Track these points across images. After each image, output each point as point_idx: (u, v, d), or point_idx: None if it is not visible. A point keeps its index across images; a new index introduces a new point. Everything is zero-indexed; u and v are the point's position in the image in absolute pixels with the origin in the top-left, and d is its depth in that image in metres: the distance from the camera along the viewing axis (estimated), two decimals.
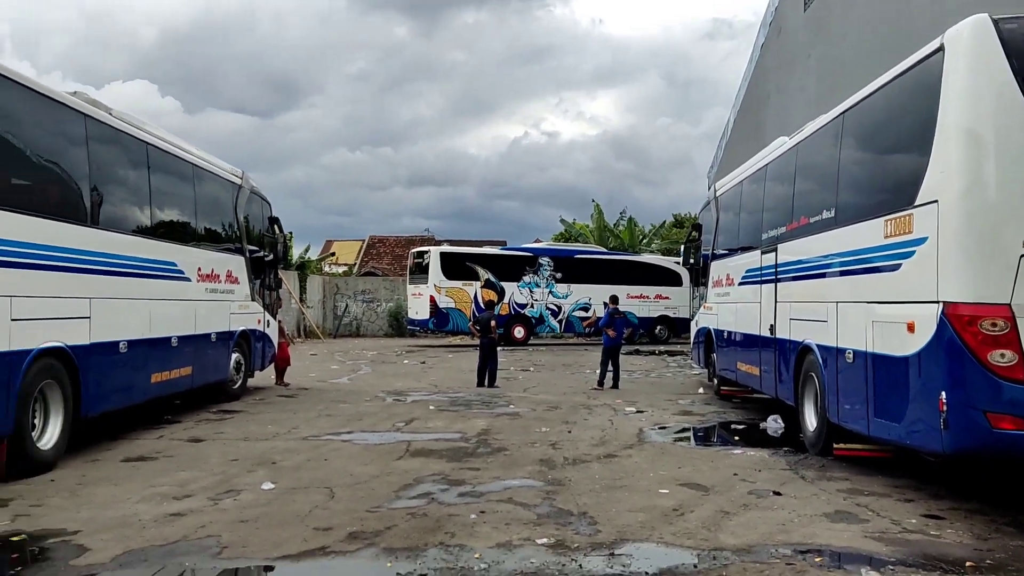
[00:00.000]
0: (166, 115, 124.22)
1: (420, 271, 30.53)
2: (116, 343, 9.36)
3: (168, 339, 10.83)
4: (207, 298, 12.31)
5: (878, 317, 7.49)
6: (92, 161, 9.06)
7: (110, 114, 9.75)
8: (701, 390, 15.67)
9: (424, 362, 22.81)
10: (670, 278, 32.06)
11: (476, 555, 5.44)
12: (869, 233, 7.72)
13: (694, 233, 17.50)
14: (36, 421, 7.94)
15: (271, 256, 15.56)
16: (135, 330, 9.84)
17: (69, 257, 8.41)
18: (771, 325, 10.92)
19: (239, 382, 13.99)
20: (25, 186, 8.00)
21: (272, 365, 16.11)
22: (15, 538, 5.85)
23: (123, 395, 9.77)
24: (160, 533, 5.95)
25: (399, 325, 36.41)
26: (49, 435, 8.12)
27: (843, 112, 8.83)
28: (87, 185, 8.96)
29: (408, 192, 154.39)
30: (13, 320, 7.41)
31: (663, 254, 37.40)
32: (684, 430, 11.25)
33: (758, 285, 11.72)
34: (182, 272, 11.38)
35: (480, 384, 16.09)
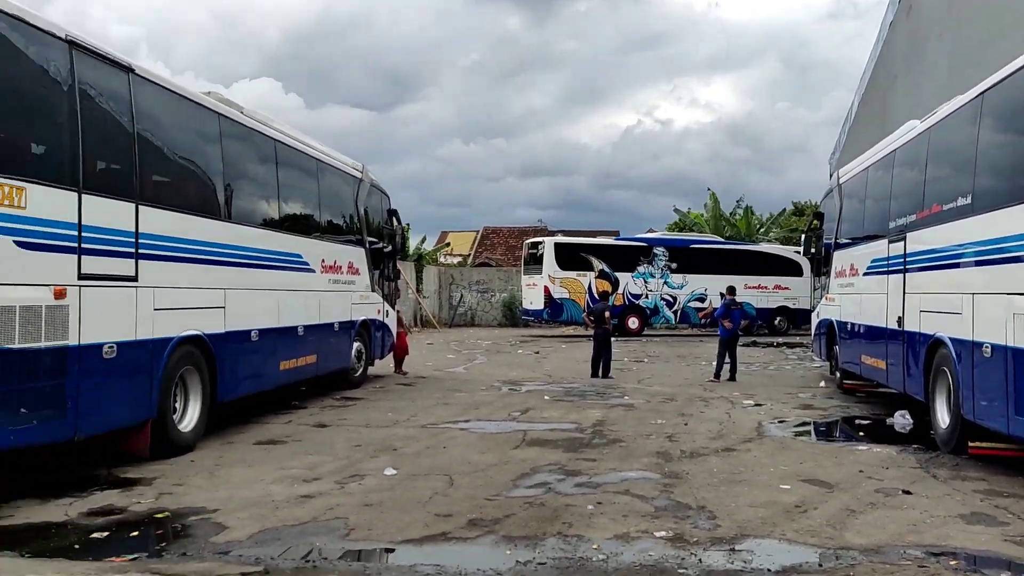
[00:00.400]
0: (289, 111, 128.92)
1: (535, 261, 30.70)
2: (248, 332, 9.83)
3: (295, 328, 11.29)
4: (330, 289, 12.76)
5: (1020, 309, 7.07)
6: (225, 158, 9.54)
7: (241, 112, 10.24)
8: (822, 384, 15.18)
9: (538, 352, 22.95)
10: (790, 268, 31.13)
11: (594, 546, 5.46)
12: (1011, 220, 7.30)
13: (815, 222, 16.95)
14: (177, 405, 8.43)
15: (390, 247, 15.95)
16: (265, 319, 10.31)
17: (205, 250, 8.89)
18: (899, 317, 10.48)
19: (360, 370, 14.43)
20: (166, 183, 8.50)
21: (391, 354, 16.54)
22: (160, 515, 6.24)
23: (255, 381, 10.26)
24: (292, 514, 6.23)
25: (513, 315, 36.72)
26: (189, 418, 8.61)
27: (983, 92, 8.35)
28: (221, 181, 9.44)
29: (521, 183, 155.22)
30: (156, 310, 7.89)
31: (782, 243, 36.34)
32: (805, 424, 10.94)
33: (885, 275, 11.26)
34: (307, 264, 11.83)
35: (594, 375, 16.07)
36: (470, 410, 11.64)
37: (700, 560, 5.21)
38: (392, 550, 5.51)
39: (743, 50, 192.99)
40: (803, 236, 18.22)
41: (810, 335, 18.07)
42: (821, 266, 16.16)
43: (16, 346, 6.09)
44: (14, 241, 6.12)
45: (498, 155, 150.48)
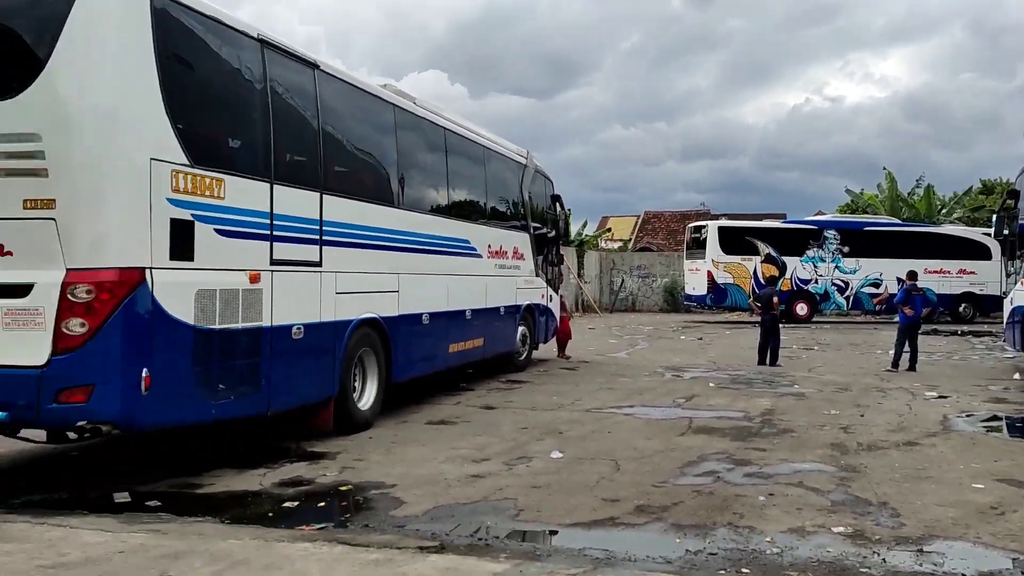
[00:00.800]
0: (455, 101, 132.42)
1: (697, 246, 30.13)
2: (420, 315, 10.20)
3: (463, 312, 11.61)
4: (496, 273, 13.02)
5: None
6: (400, 148, 9.92)
7: (414, 103, 10.61)
8: (1017, 375, 14.06)
9: (701, 338, 22.53)
10: (976, 251, 28.99)
11: (767, 539, 5.31)
12: None
13: (1009, 201, 15.66)
14: (356, 384, 8.86)
15: (553, 233, 16.10)
16: (435, 303, 10.65)
17: (381, 236, 9.29)
18: None
19: (524, 354, 14.65)
20: (346, 172, 8.95)
21: (554, 338, 16.67)
22: (343, 488, 6.60)
23: (426, 363, 10.63)
24: (463, 492, 6.42)
25: (674, 300, 36.24)
26: (367, 397, 9.03)
27: None
28: (396, 170, 9.84)
29: (682, 166, 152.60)
30: (338, 293, 8.32)
31: (967, 224, 33.86)
32: (997, 419, 10.17)
33: None
34: (474, 249, 12.13)
35: (761, 362, 15.62)
36: (634, 395, 11.59)
37: (884, 560, 4.96)
38: (558, 532, 5.57)
39: (925, 18, 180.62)
40: (994, 217, 16.92)
41: (1000, 323, 16.76)
42: (1015, 249, 14.96)
43: (217, 327, 6.60)
44: (214, 229, 6.61)
45: (658, 139, 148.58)
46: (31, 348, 5.67)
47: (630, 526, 5.66)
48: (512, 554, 4.98)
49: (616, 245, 47.20)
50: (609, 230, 49.87)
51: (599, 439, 8.52)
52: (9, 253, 5.76)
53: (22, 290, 5.73)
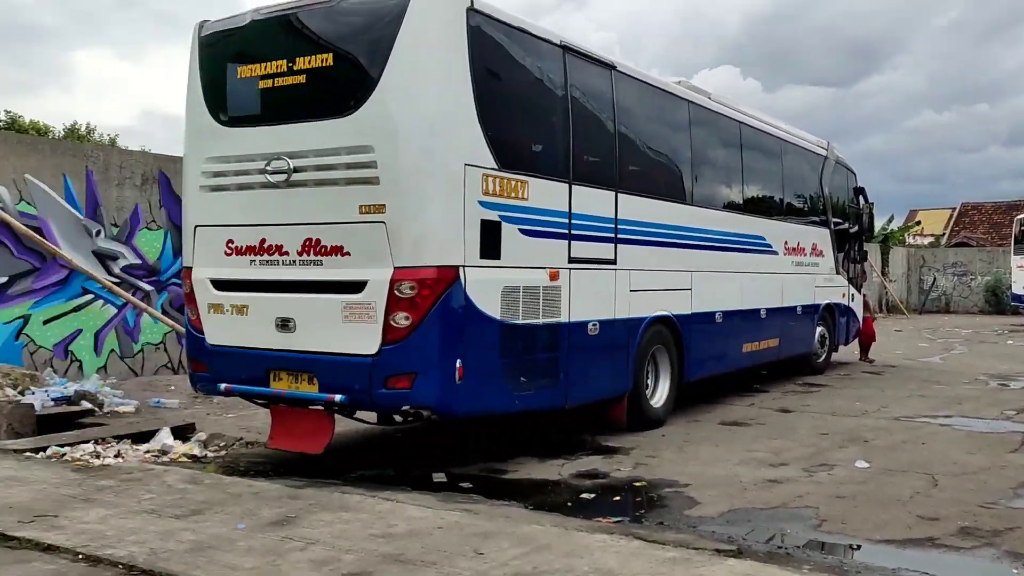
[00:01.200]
0: (747, 95, 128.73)
1: None
2: (713, 313, 10.05)
3: (758, 311, 11.26)
4: (793, 271, 12.49)
5: None
6: (693, 144, 9.85)
7: (709, 98, 10.48)
8: None
9: None
10: None
11: None
12: None
13: None
14: (648, 382, 8.92)
15: (856, 228, 15.17)
16: (729, 301, 10.44)
17: (673, 234, 9.28)
18: None
19: (823, 356, 13.92)
20: (640, 170, 9.02)
21: (855, 340, 15.70)
22: (637, 484, 6.67)
23: (718, 362, 10.46)
24: (760, 496, 6.24)
25: (998, 301, 32.56)
26: (659, 395, 9.07)
27: None
28: (689, 166, 9.77)
29: (1007, 152, 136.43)
30: (631, 291, 8.44)
31: None
32: None
33: None
34: (770, 246, 11.72)
35: None
36: (951, 404, 10.58)
37: None
38: (864, 547, 5.24)
39: None
40: None
41: None
42: None
43: (520, 322, 6.96)
44: (519, 229, 6.97)
45: (978, 122, 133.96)
46: (365, 338, 6.33)
47: (953, 549, 5.17)
48: (815, 566, 4.76)
49: (926, 240, 43.33)
50: (918, 223, 45.85)
51: (911, 450, 7.88)
52: (347, 253, 6.47)
53: (358, 287, 6.39)
